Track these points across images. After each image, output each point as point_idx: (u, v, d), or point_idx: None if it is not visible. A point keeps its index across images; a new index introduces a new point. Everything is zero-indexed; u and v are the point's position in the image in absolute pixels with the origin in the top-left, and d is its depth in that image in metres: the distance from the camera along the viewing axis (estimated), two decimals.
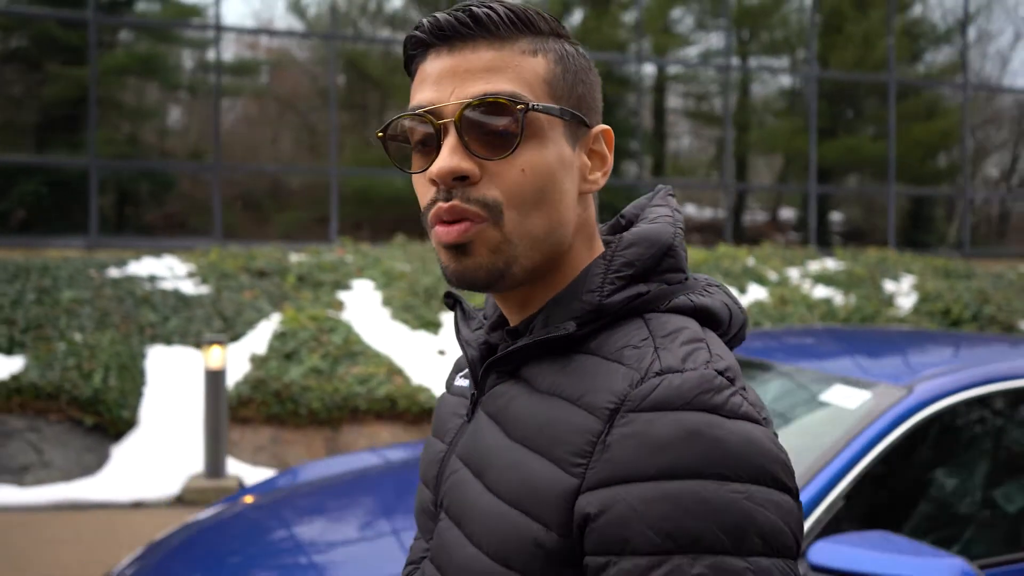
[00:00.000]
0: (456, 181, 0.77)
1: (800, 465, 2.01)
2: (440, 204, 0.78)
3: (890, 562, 1.64)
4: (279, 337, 6.77)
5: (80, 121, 10.19)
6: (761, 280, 9.39)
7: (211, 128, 10.51)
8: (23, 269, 7.41)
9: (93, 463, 5.64)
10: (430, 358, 6.97)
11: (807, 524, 1.85)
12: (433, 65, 0.80)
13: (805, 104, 13.18)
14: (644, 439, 0.69)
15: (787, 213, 16.19)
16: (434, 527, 0.86)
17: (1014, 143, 15.55)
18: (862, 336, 3.14)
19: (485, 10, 0.78)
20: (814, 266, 10.48)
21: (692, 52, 13.99)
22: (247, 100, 12.05)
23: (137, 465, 5.63)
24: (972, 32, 13.57)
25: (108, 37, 11.03)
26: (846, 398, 2.17)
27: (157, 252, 8.79)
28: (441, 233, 0.79)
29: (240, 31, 11.33)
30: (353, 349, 6.74)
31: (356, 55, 11.84)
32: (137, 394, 6.07)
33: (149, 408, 6.07)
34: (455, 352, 6.42)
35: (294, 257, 8.67)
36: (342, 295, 7.88)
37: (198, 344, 6.80)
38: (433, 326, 7.55)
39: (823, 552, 1.73)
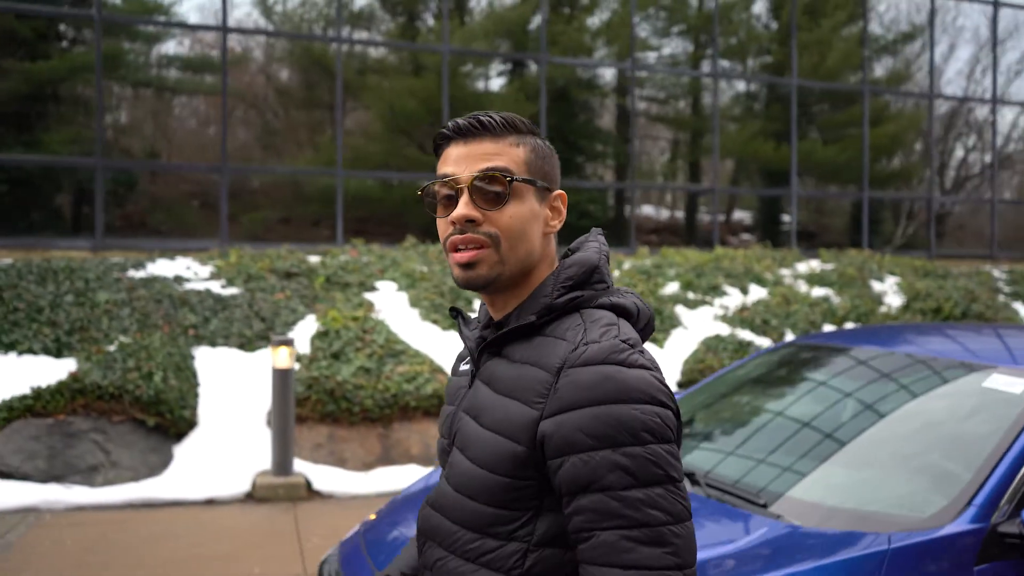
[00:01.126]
0: (467, 223, 1.21)
1: (987, 444, 2.34)
2: (456, 236, 1.22)
3: None
4: (321, 337, 6.91)
5: (35, 119, 10.12)
6: (760, 281, 9.84)
7: (169, 126, 10.50)
8: (49, 270, 7.37)
9: (158, 463, 5.72)
10: None
11: (1009, 491, 2.17)
12: (453, 151, 1.24)
13: (780, 110, 13.77)
14: (577, 383, 1.12)
15: (739, 215, 16.80)
16: (447, 460, 1.28)
17: (981, 150, 16.42)
18: (969, 330, 3.50)
19: (488, 118, 1.24)
20: (802, 267, 11.01)
21: (677, 59, 14.47)
22: (224, 99, 12.04)
23: (202, 464, 5.73)
24: (942, 43, 14.35)
25: (74, 33, 10.94)
26: (1009, 384, 2.52)
27: (167, 254, 8.80)
28: (457, 257, 1.22)
29: (242, 31, 11.33)
30: (395, 348, 6.93)
31: (327, 56, 11.92)
32: (193, 394, 6.15)
33: (206, 408, 6.15)
34: None
35: (312, 258, 8.78)
36: (368, 296, 8.04)
37: (241, 345, 6.90)
38: None
39: None
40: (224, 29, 10.53)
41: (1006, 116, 15.96)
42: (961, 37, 15.16)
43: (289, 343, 5.68)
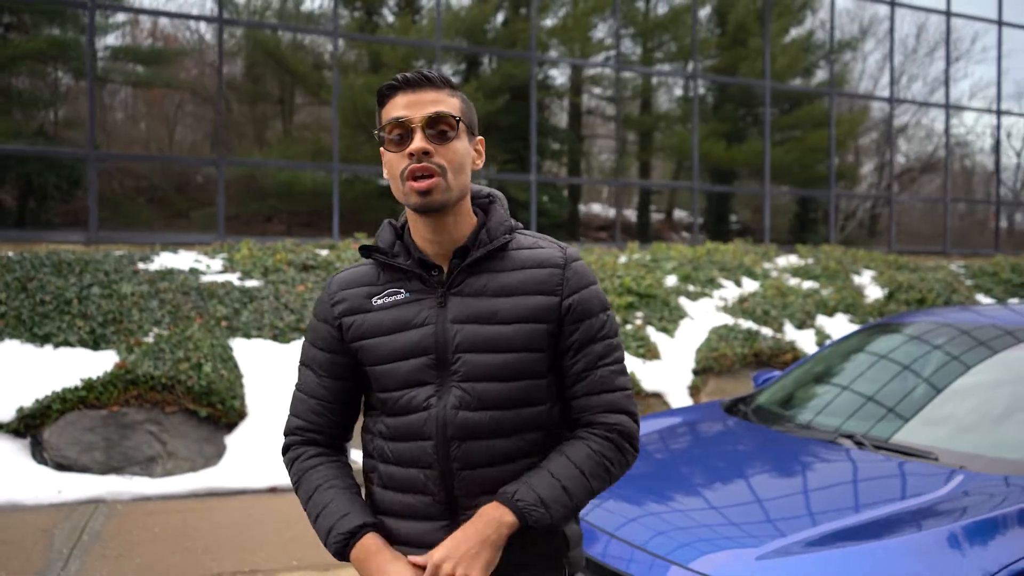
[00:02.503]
0: (424, 155, 1.45)
1: None
2: (413, 166, 1.45)
3: None
4: None
5: None
6: (752, 274, 10.26)
7: (94, 116, 10.34)
8: (63, 263, 7.23)
9: (213, 453, 5.71)
10: None
11: None
12: (401, 99, 1.49)
13: (732, 110, 14.28)
14: (579, 273, 1.55)
15: (679, 213, 17.18)
16: (440, 373, 1.48)
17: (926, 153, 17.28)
18: None
19: (431, 72, 1.50)
20: (781, 262, 11.49)
21: (628, 59, 14.83)
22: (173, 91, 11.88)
23: (255, 453, 5.75)
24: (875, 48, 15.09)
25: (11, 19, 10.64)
26: None
27: (169, 247, 8.69)
28: (416, 185, 1.45)
29: (238, 23, 11.20)
30: None
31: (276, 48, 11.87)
32: (240, 384, 6.15)
33: (252, 399, 6.16)
34: None
35: (321, 252, 8.79)
36: None
37: (274, 336, 6.91)
38: None
39: None
40: (220, 20, 10.40)
41: (936, 120, 16.85)
42: (905, 44, 15.94)
43: None
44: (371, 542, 1.46)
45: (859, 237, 16.35)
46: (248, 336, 6.82)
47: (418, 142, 1.45)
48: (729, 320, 8.70)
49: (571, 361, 1.52)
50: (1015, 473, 2.44)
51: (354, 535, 1.47)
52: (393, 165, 1.49)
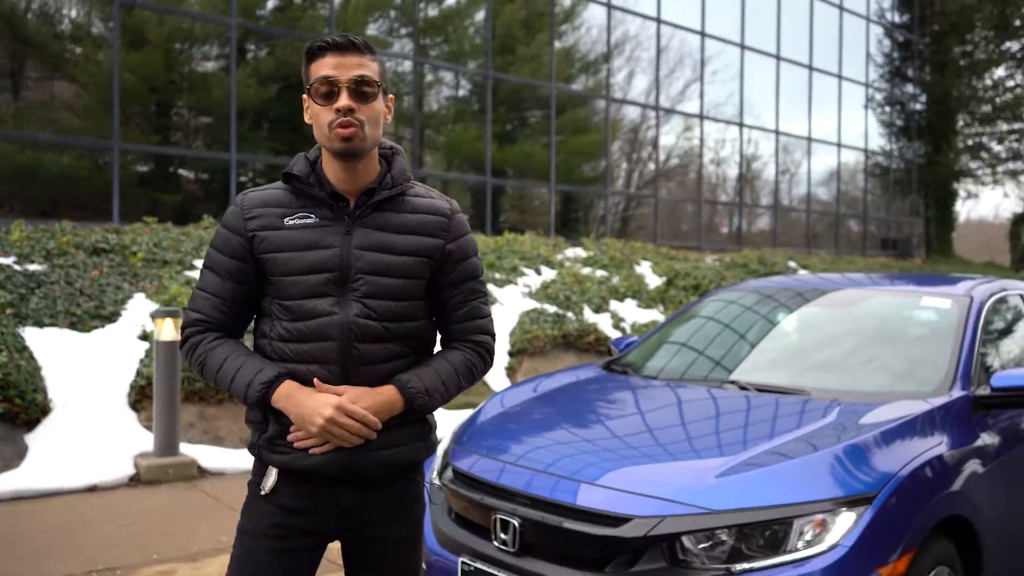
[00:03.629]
0: (349, 112, 1.72)
1: (944, 343, 3.26)
2: (340, 119, 1.71)
3: None
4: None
5: None
6: (549, 263, 10.84)
7: None
8: None
9: (12, 454, 5.04)
10: None
11: (973, 371, 3.09)
12: (330, 59, 1.73)
13: (504, 112, 14.97)
14: (461, 223, 1.88)
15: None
16: (340, 288, 1.75)
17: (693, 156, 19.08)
18: (882, 276, 4.53)
19: (356, 39, 1.75)
20: (569, 252, 12.25)
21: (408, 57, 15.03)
22: None
23: (66, 451, 5.16)
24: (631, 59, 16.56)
25: None
26: (939, 303, 3.49)
27: None
28: (341, 132, 1.71)
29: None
30: None
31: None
32: (39, 377, 5.47)
33: (55, 393, 5.50)
34: None
35: (110, 236, 8.01)
36: (190, 274, 7.59)
37: (72, 324, 6.22)
38: None
39: (1001, 379, 2.98)
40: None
41: (675, 126, 18.83)
42: (667, 59, 17.60)
43: (175, 315, 5.33)
44: (289, 383, 1.73)
45: (623, 232, 17.69)
46: (40, 325, 6.07)
47: (344, 100, 1.71)
48: (535, 305, 9.15)
49: (451, 294, 1.88)
50: (876, 401, 2.93)
51: (274, 382, 1.73)
52: (320, 116, 1.74)
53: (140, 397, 5.79)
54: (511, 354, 8.20)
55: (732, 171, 18.91)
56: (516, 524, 2.51)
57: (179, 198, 11.59)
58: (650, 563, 2.32)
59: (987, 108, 25.09)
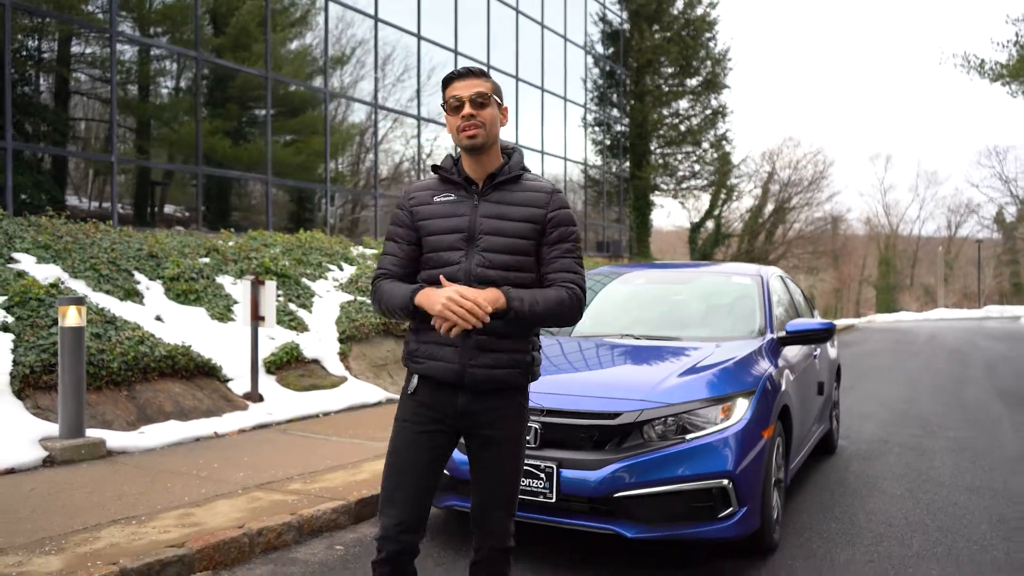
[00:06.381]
0: (471, 117, 2.45)
1: (753, 305, 4.94)
2: (464, 123, 2.44)
3: (811, 323, 4.71)
4: (22, 305, 6.44)
5: None
6: (348, 259, 11.62)
7: None
8: None
9: None
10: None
11: (774, 322, 4.80)
12: (459, 83, 2.48)
13: (236, 109, 15.39)
14: (559, 199, 2.57)
15: (173, 206, 16.83)
16: (468, 245, 2.43)
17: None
18: (683, 265, 6.17)
19: (474, 68, 2.51)
20: (355, 250, 13.08)
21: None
22: None
23: None
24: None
25: None
26: (742, 280, 5.20)
27: None
28: (467, 133, 2.43)
29: None
30: (105, 315, 6.86)
31: None
32: None
33: None
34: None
35: None
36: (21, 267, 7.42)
37: None
38: (136, 295, 7.84)
39: (792, 326, 4.71)
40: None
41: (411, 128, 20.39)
42: (391, 61, 18.92)
43: (80, 301, 5.54)
44: (427, 288, 2.40)
45: (352, 232, 18.43)
46: None
47: (467, 108, 2.42)
48: (350, 297, 9.97)
49: (550, 251, 2.47)
50: (734, 339, 4.49)
51: (417, 289, 2.41)
52: (452, 123, 2.46)
53: (23, 385, 5.84)
54: (341, 340, 8.99)
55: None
56: (537, 427, 3.66)
57: None
58: (634, 440, 3.61)
59: (673, 134, 29.97)
